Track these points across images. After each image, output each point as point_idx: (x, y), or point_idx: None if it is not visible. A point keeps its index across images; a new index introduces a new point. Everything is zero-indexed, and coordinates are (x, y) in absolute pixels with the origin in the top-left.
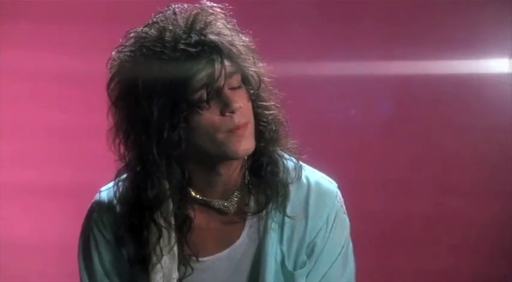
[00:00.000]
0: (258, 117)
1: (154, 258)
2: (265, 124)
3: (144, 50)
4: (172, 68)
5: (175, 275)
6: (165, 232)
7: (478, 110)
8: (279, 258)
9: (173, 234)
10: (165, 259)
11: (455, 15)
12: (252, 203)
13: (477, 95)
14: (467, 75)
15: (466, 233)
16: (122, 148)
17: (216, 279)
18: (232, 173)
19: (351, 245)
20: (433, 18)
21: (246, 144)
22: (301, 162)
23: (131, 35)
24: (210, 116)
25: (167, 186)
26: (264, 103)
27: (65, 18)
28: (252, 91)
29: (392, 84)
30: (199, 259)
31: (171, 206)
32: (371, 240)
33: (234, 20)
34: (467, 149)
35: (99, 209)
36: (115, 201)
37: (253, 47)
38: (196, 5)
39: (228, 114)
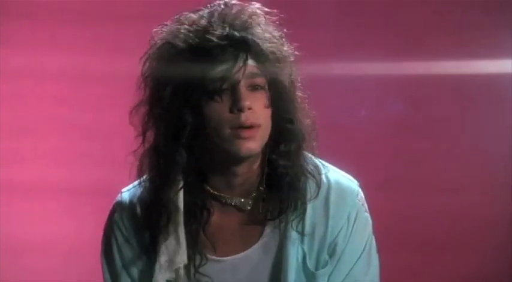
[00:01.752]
0: (278, 128)
1: (161, 240)
2: (284, 137)
3: (177, 33)
4: (196, 53)
5: (181, 260)
6: (173, 215)
7: (482, 110)
8: (300, 257)
9: (181, 219)
10: (171, 241)
11: (459, 16)
12: (270, 207)
13: (480, 95)
14: (470, 76)
15: (482, 233)
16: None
17: (236, 279)
18: (249, 174)
19: (374, 243)
20: (437, 19)
21: (249, 145)
22: (322, 173)
23: (177, 17)
24: (219, 109)
25: (180, 169)
26: (287, 115)
27: (76, 18)
28: (276, 98)
29: (395, 85)
30: (219, 259)
31: (180, 188)
32: (383, 239)
33: (282, 30)
34: (472, 148)
35: (120, 209)
36: (135, 202)
37: (293, 55)
38: (246, 4)
39: (236, 111)
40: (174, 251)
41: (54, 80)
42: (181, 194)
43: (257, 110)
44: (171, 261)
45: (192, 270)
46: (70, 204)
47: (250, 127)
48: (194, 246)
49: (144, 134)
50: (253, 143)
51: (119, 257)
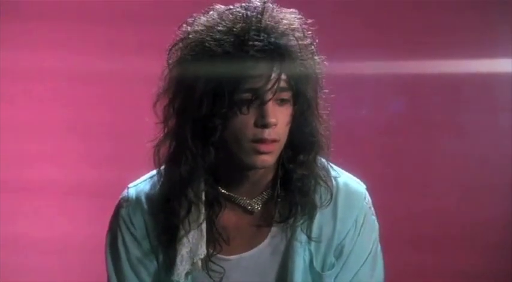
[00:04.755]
0: (298, 140)
1: (182, 232)
2: (303, 148)
3: (212, 34)
4: (230, 61)
5: (202, 251)
6: (194, 207)
7: (482, 110)
8: (307, 258)
9: (202, 211)
10: (193, 234)
11: (459, 16)
12: (278, 211)
13: (480, 94)
14: (470, 75)
15: (482, 233)
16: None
17: (242, 278)
18: (259, 177)
19: (379, 247)
20: (437, 19)
21: (266, 158)
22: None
23: (211, 12)
24: (244, 121)
25: (201, 165)
26: (308, 129)
27: (77, 18)
28: (300, 111)
29: (395, 84)
30: (226, 257)
31: (202, 184)
32: (383, 239)
33: (316, 40)
34: (472, 148)
35: (126, 205)
36: (143, 198)
37: (321, 66)
38: (283, 11)
39: (260, 126)
40: (197, 242)
41: (54, 80)
42: (202, 186)
43: (280, 126)
44: (192, 253)
45: (206, 259)
46: (69, 204)
47: (270, 142)
48: (209, 239)
49: (166, 122)
50: (270, 157)
51: (125, 254)
